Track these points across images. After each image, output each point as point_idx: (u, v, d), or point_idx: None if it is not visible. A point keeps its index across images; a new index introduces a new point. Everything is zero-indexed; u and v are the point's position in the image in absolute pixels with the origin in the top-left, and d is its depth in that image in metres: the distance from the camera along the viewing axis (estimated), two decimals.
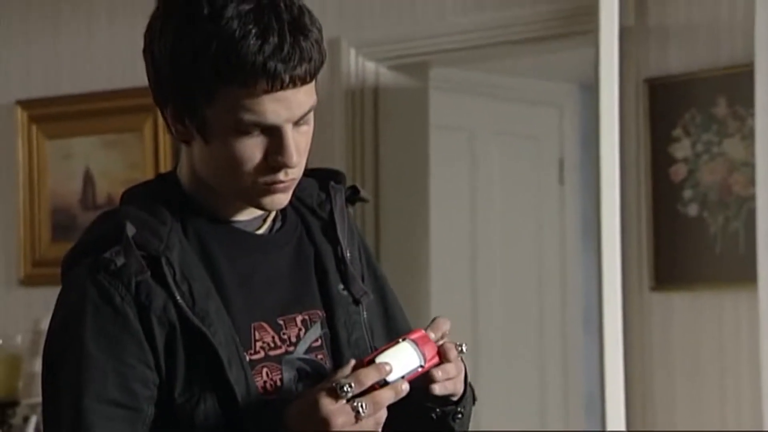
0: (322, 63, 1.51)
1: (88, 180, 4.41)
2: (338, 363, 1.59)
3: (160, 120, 4.28)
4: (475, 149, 5.03)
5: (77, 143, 4.43)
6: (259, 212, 1.61)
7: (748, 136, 3.45)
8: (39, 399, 4.02)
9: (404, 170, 4.10)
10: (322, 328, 1.61)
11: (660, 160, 3.60)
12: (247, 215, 1.60)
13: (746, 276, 3.38)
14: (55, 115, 4.45)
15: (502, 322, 5.00)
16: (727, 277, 3.50)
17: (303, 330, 1.59)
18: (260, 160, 1.52)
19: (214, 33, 1.47)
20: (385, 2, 3.99)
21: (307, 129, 1.55)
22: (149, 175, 4.29)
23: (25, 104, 4.51)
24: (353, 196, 1.71)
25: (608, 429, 3.35)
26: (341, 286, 1.63)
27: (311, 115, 1.54)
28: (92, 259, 1.52)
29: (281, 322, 1.58)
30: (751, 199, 3.40)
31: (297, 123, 1.53)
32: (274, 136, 1.51)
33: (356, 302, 1.64)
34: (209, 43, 1.47)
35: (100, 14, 4.42)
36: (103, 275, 1.51)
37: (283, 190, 1.55)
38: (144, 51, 1.56)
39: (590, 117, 4.32)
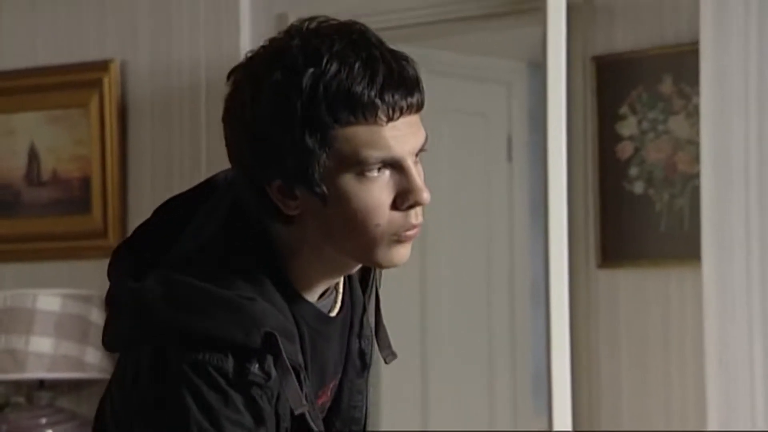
0: (424, 95, 1.46)
1: (33, 156, 4.36)
2: (329, 427, 1.57)
3: (107, 95, 4.27)
4: (424, 126, 5.03)
5: (22, 119, 4.37)
6: (331, 288, 1.53)
7: (693, 114, 3.48)
8: None
9: None
10: (339, 385, 1.59)
11: (607, 137, 3.63)
12: (320, 290, 1.52)
13: (691, 253, 3.41)
14: None
15: (449, 297, 5.02)
16: (672, 255, 3.53)
17: (328, 396, 1.56)
18: (390, 207, 1.44)
19: (318, 76, 1.39)
20: None
21: (421, 170, 1.47)
22: (96, 151, 4.24)
23: None
24: None
25: (554, 405, 3.38)
26: (358, 341, 1.59)
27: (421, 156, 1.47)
28: (237, 366, 1.41)
29: (320, 393, 1.55)
30: (696, 176, 3.43)
31: (414, 160, 1.46)
32: (399, 173, 1.44)
33: (365, 358, 1.60)
34: (317, 88, 1.39)
35: None
36: (256, 390, 1.42)
37: (411, 239, 1.47)
38: (232, 131, 1.45)
39: (538, 94, 4.33)
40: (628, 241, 3.59)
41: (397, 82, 1.42)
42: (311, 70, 1.40)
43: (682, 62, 3.50)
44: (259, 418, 1.41)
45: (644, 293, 3.58)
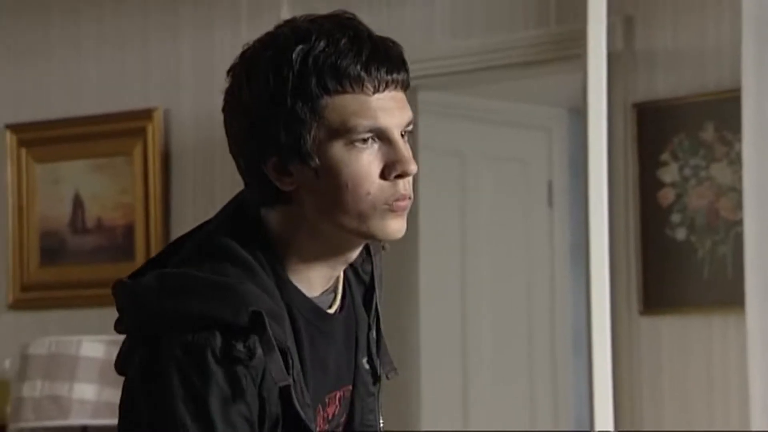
0: (409, 76, 1.54)
1: (77, 204, 4.41)
2: None
3: (150, 143, 4.31)
4: (465, 172, 5.05)
5: (67, 167, 4.43)
6: (330, 285, 1.57)
7: (736, 161, 3.47)
8: (27, 424, 4.02)
9: None
10: (351, 404, 1.61)
11: (648, 184, 3.62)
12: (321, 288, 1.56)
13: (734, 300, 3.39)
14: (44, 139, 4.46)
15: (491, 343, 5.00)
16: (715, 301, 3.51)
17: (338, 407, 1.59)
18: (379, 177, 1.50)
19: (307, 51, 1.49)
20: (373, 26, 4.00)
21: (409, 147, 1.53)
22: (139, 199, 4.29)
23: (15, 128, 4.51)
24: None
25: None
26: (366, 359, 1.62)
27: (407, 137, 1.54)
28: (225, 345, 1.45)
29: (327, 400, 1.57)
30: (739, 223, 3.41)
31: (402, 136, 1.52)
32: (387, 145, 1.51)
33: (375, 377, 1.63)
34: (306, 61, 1.49)
35: (90, 38, 4.43)
36: (240, 368, 1.45)
37: (403, 211, 1.52)
38: (231, 118, 1.55)
39: (579, 141, 4.33)
40: (670, 287, 3.58)
41: (383, 58, 1.51)
42: (300, 46, 1.49)
43: (723, 109, 3.49)
44: (240, 393, 1.44)
45: (687, 340, 3.56)
